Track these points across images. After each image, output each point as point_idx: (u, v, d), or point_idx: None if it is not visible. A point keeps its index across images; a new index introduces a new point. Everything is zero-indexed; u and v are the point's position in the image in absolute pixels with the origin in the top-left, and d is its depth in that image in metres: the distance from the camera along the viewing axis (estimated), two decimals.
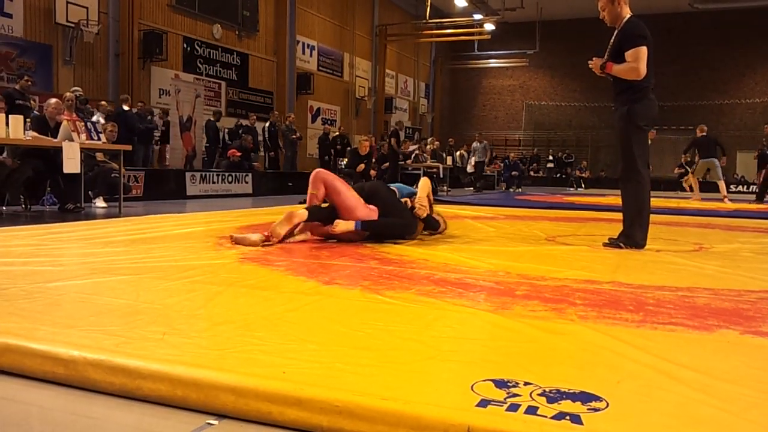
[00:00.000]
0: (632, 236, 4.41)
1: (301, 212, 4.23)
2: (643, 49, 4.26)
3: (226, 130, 14.77)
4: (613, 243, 4.48)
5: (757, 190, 14.24)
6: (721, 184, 13.12)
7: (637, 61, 4.25)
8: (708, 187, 15.47)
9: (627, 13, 4.44)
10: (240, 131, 14.43)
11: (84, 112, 9.76)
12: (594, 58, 4.53)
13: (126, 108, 11.35)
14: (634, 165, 4.39)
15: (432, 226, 4.80)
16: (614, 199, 12.64)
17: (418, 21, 24.96)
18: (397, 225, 4.50)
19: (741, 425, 1.35)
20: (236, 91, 16.90)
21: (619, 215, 4.66)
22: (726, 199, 12.68)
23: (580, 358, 1.82)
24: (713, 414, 1.40)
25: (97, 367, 1.62)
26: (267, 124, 15.06)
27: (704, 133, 13.24)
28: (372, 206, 4.44)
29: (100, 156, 8.01)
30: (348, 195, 4.38)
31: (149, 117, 12.46)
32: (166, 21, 14.63)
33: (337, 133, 17.52)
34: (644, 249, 4.39)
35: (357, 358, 1.74)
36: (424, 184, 4.80)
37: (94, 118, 10.46)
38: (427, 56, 28.81)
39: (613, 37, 4.47)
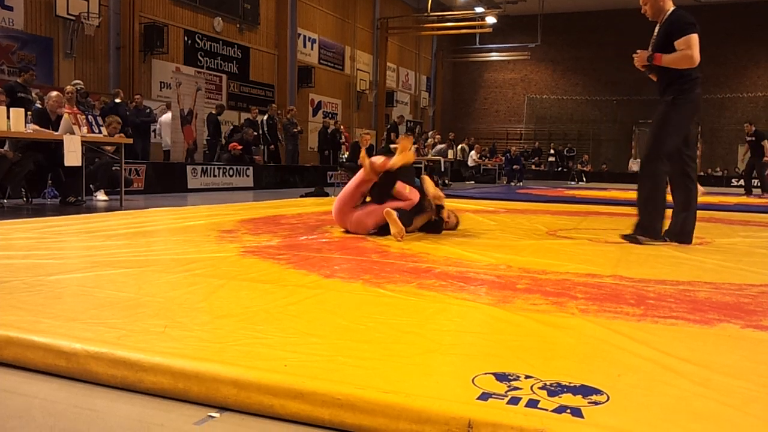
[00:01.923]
0: (651, 227, 4.29)
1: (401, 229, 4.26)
2: (695, 37, 4.12)
3: (231, 125, 14.73)
4: (629, 237, 4.38)
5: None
6: None
7: (691, 48, 4.11)
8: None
9: (670, 6, 4.32)
10: (242, 126, 14.40)
11: (85, 105, 9.75)
12: (639, 51, 4.36)
13: (118, 101, 11.32)
14: (659, 152, 4.23)
15: (435, 228, 4.67)
16: (616, 192, 12.64)
17: (419, 14, 24.90)
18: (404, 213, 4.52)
19: (741, 419, 1.35)
20: (237, 85, 16.87)
21: (621, 209, 4.66)
22: None
23: (581, 351, 1.83)
24: (714, 408, 1.40)
25: (98, 359, 1.63)
26: (265, 117, 15.05)
27: None
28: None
29: (110, 149, 7.99)
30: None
31: (147, 110, 12.44)
32: (167, 14, 14.59)
33: (333, 128, 17.46)
34: (645, 243, 4.38)
35: (358, 351, 1.74)
36: (429, 184, 4.75)
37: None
38: (428, 49, 28.73)
39: (655, 31, 4.34)
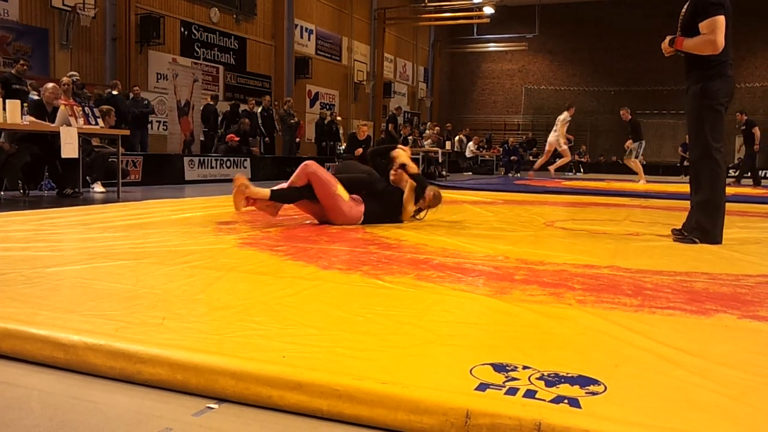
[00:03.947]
0: (711, 231, 3.95)
1: (259, 192, 4.34)
2: (720, 19, 3.79)
3: (222, 114, 14.63)
4: (686, 238, 4.03)
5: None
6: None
7: (714, 32, 3.78)
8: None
9: None
10: (236, 117, 14.30)
11: (81, 96, 9.71)
12: (667, 37, 4.05)
13: (115, 93, 11.28)
14: (707, 151, 3.90)
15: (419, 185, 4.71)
16: (613, 183, 12.66)
17: (417, 4, 24.79)
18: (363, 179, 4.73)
19: (738, 409, 1.36)
20: (234, 76, 16.81)
21: (619, 200, 4.63)
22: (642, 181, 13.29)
23: (579, 342, 1.83)
24: (711, 398, 1.41)
25: (97, 351, 1.63)
26: (260, 109, 14.99)
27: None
28: (355, 196, 4.58)
29: (96, 141, 7.98)
30: (332, 192, 4.44)
31: (145, 102, 12.40)
32: (164, 4, 14.51)
33: (329, 119, 17.39)
34: (642, 234, 4.38)
35: (356, 342, 1.75)
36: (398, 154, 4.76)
37: None
38: (425, 40, 28.65)
39: (684, 8, 4.04)
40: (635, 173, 13.86)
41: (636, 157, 13.41)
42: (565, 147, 13.86)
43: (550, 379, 1.48)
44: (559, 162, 14.57)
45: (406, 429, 1.32)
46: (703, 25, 3.84)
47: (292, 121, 15.65)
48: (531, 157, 26.06)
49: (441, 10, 24.24)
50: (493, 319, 2.11)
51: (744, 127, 14.31)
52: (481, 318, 2.13)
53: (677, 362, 1.64)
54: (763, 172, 22.77)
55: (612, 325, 1.99)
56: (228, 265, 2.86)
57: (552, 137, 14.05)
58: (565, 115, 13.78)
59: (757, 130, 14.12)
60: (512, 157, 21.38)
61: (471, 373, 1.51)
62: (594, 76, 28.18)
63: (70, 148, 6.55)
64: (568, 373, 1.52)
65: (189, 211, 5.30)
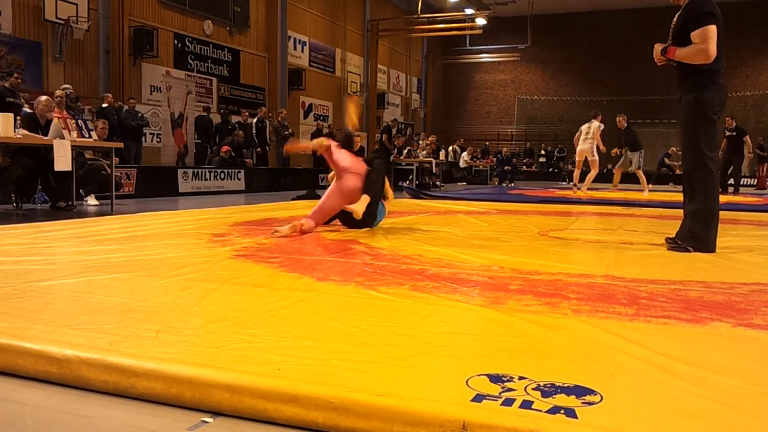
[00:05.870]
0: (704, 240, 3.98)
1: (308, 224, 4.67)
2: (712, 28, 3.83)
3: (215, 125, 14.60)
4: (680, 247, 4.05)
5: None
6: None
7: (706, 41, 3.81)
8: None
9: None
10: (230, 127, 14.30)
11: (74, 109, 9.69)
12: (656, 45, 4.10)
13: (105, 105, 11.25)
14: (702, 161, 3.93)
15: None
16: (606, 193, 12.70)
17: (409, 16, 24.92)
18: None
19: (734, 417, 1.36)
20: (228, 88, 16.83)
21: (612, 209, 4.64)
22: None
23: (574, 352, 1.83)
24: (707, 406, 1.41)
25: (91, 365, 1.62)
26: (255, 120, 14.97)
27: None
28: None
29: (89, 154, 7.96)
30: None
31: (139, 115, 12.39)
32: (157, 17, 14.53)
33: (327, 131, 17.42)
34: (636, 242, 4.39)
35: (352, 354, 1.74)
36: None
37: None
38: (418, 51, 28.77)
39: (675, 18, 4.06)
40: (637, 183, 13.55)
41: (639, 168, 12.91)
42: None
43: (546, 389, 1.48)
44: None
45: None
46: (695, 35, 3.87)
47: (286, 132, 15.66)
48: (525, 167, 26.19)
49: (434, 22, 24.38)
50: (488, 329, 2.10)
51: (735, 133, 14.10)
52: (477, 328, 2.13)
53: (673, 371, 1.64)
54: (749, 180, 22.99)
55: (607, 334, 2.00)
56: (223, 278, 2.85)
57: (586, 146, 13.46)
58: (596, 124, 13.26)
59: (748, 138, 14.10)
60: (506, 167, 21.43)
61: (467, 384, 1.50)
62: (586, 86, 28.36)
63: (63, 161, 6.54)
64: (564, 383, 1.51)
65: (183, 224, 5.29)
